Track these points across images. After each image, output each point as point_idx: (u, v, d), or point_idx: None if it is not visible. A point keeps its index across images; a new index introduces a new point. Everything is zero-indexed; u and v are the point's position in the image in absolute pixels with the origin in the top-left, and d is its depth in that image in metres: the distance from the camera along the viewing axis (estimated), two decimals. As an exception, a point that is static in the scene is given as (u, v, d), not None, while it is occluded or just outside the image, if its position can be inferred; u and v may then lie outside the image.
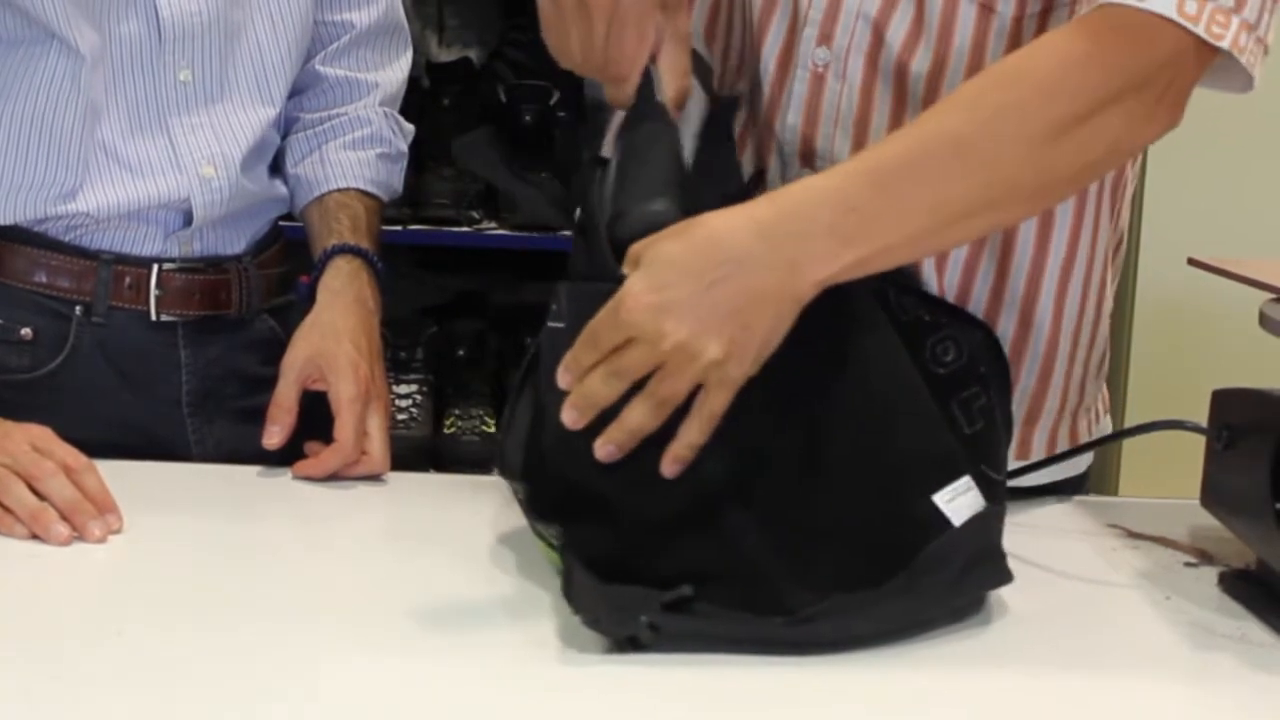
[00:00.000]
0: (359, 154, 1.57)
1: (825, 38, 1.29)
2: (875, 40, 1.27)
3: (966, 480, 1.12)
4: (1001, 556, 1.12)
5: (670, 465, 1.10)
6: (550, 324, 1.13)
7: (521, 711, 0.99)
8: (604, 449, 1.10)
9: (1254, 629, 1.14)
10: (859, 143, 1.29)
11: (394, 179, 1.61)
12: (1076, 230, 1.32)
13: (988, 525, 1.12)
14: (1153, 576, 1.24)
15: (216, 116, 1.47)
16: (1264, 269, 1.30)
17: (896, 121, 1.28)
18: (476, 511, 1.29)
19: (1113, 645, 1.11)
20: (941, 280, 1.31)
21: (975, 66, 1.25)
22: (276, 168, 1.58)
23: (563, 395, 1.10)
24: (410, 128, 1.64)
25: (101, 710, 0.97)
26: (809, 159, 1.31)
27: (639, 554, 1.10)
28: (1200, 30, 1.13)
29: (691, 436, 1.10)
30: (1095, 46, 1.13)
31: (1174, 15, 1.12)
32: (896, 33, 1.27)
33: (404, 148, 1.63)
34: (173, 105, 1.45)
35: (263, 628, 1.08)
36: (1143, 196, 2.49)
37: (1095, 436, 1.40)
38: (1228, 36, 1.14)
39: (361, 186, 1.56)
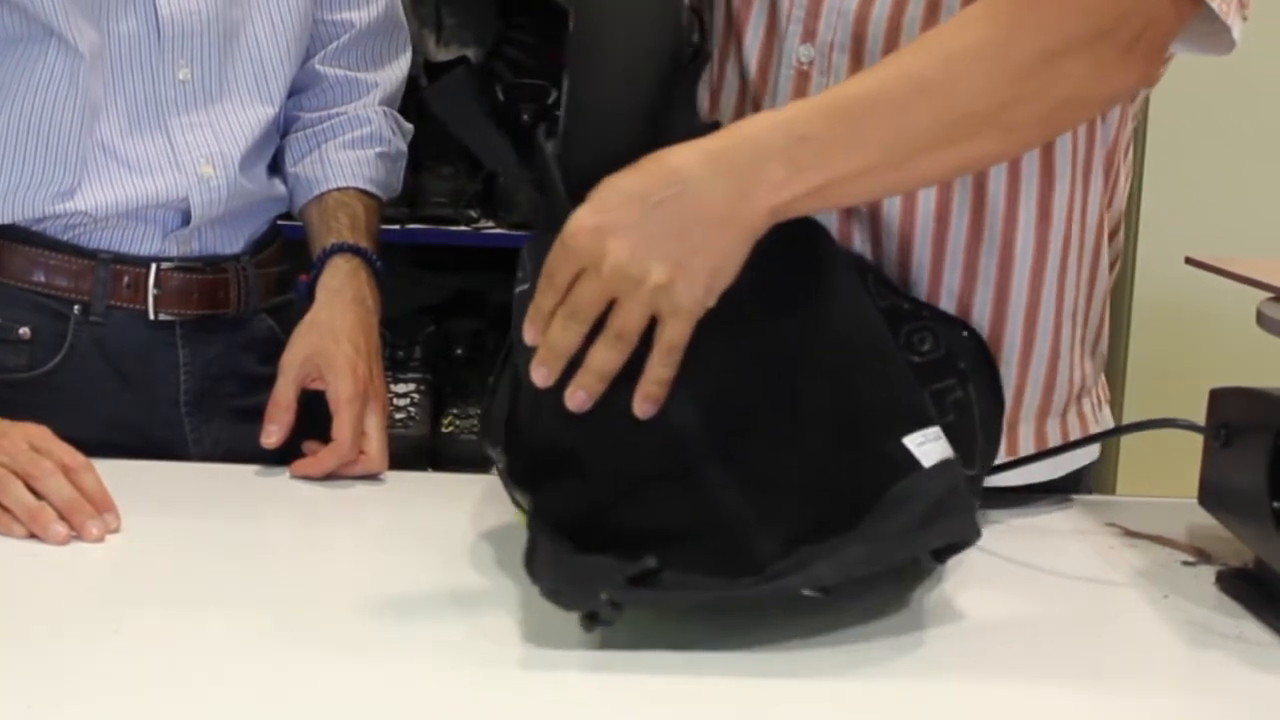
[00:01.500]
0: (358, 153, 1.57)
1: (809, 34, 1.28)
2: (858, 35, 1.26)
3: (936, 430, 1.11)
4: (970, 510, 1.11)
5: (641, 404, 1.08)
6: (518, 289, 1.12)
7: (520, 711, 0.99)
8: (574, 396, 1.08)
9: (1251, 628, 1.15)
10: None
11: (393, 178, 1.61)
12: (1046, 199, 1.29)
13: (955, 472, 1.11)
14: (1150, 575, 1.24)
15: (215, 115, 1.47)
16: (1261, 268, 1.30)
17: None
18: (475, 510, 1.29)
19: (1110, 644, 1.11)
20: (911, 262, 1.28)
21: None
22: (275, 167, 1.58)
23: (526, 357, 1.09)
24: (409, 127, 1.65)
25: (100, 709, 0.97)
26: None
27: (610, 512, 1.08)
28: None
29: (655, 371, 1.08)
30: None
31: None
32: (878, 27, 1.26)
33: (403, 147, 1.63)
34: (171, 104, 1.45)
35: (261, 627, 1.08)
36: (1140, 195, 2.49)
37: (1096, 430, 1.38)
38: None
39: (360, 185, 1.56)
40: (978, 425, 1.20)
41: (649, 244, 1.07)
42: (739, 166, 1.09)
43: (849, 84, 1.15)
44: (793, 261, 1.11)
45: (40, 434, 1.27)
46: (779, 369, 1.10)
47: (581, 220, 1.08)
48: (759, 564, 1.05)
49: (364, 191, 1.57)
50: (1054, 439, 1.34)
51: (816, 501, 1.07)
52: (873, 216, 1.29)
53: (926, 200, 1.27)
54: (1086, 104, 1.20)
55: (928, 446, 1.10)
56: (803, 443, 1.09)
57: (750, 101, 1.32)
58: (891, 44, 1.25)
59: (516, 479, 1.15)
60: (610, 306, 1.08)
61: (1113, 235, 1.39)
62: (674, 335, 1.08)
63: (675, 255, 1.07)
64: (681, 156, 1.09)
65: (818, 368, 1.11)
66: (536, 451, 1.12)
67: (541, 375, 1.09)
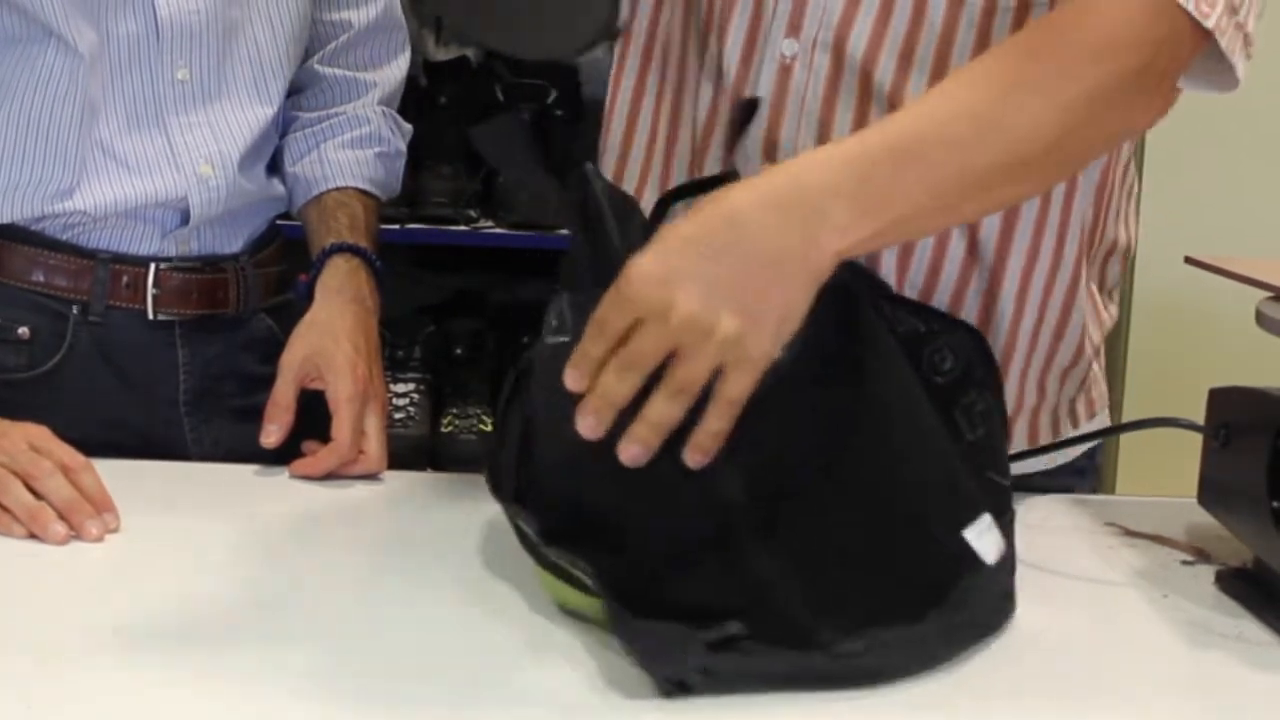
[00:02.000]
0: (357, 153, 1.57)
1: (794, 29, 1.27)
2: (842, 30, 1.25)
3: (987, 518, 1.09)
4: (1012, 596, 1.11)
5: (694, 454, 1.02)
6: (550, 339, 1.07)
7: (517, 710, 0.99)
8: (628, 450, 1.02)
9: (1251, 627, 1.15)
10: (823, 136, 1.27)
11: (392, 178, 1.61)
12: (1041, 226, 1.30)
13: (1010, 567, 1.09)
14: (1150, 575, 1.24)
15: (214, 115, 1.48)
16: (1261, 267, 1.30)
17: (861, 114, 1.26)
18: (474, 510, 1.29)
19: (1109, 643, 1.11)
20: (904, 279, 1.29)
21: (942, 57, 1.24)
22: (274, 167, 1.58)
23: (570, 409, 1.03)
24: (409, 127, 1.65)
25: (98, 709, 0.97)
26: (771, 154, 1.28)
27: (656, 585, 1.02)
28: (1190, 8, 1.12)
29: (712, 424, 1.03)
30: (1106, 23, 1.12)
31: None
32: (865, 23, 1.25)
33: (402, 147, 1.63)
34: (170, 104, 1.45)
35: (261, 627, 1.08)
36: (1140, 195, 2.49)
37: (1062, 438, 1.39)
38: (1213, 17, 1.13)
39: (360, 185, 1.56)
40: (1000, 429, 1.18)
41: (716, 292, 1.02)
42: (803, 209, 1.05)
43: (907, 118, 1.12)
44: (837, 329, 1.07)
45: (40, 434, 1.27)
46: (827, 441, 1.06)
47: (645, 268, 1.02)
48: (818, 640, 1.01)
49: (363, 191, 1.57)
50: (1019, 444, 1.34)
51: (873, 585, 1.04)
52: None
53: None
54: (1130, 134, 1.22)
55: (985, 539, 1.08)
56: (851, 520, 1.06)
57: (732, 94, 1.30)
58: (873, 51, 1.25)
59: (549, 538, 1.07)
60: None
61: (1106, 257, 1.39)
62: (738, 388, 1.03)
63: (744, 304, 1.03)
64: (740, 199, 1.06)
65: (867, 443, 1.07)
66: (569, 511, 1.07)
67: (590, 426, 1.02)
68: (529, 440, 1.11)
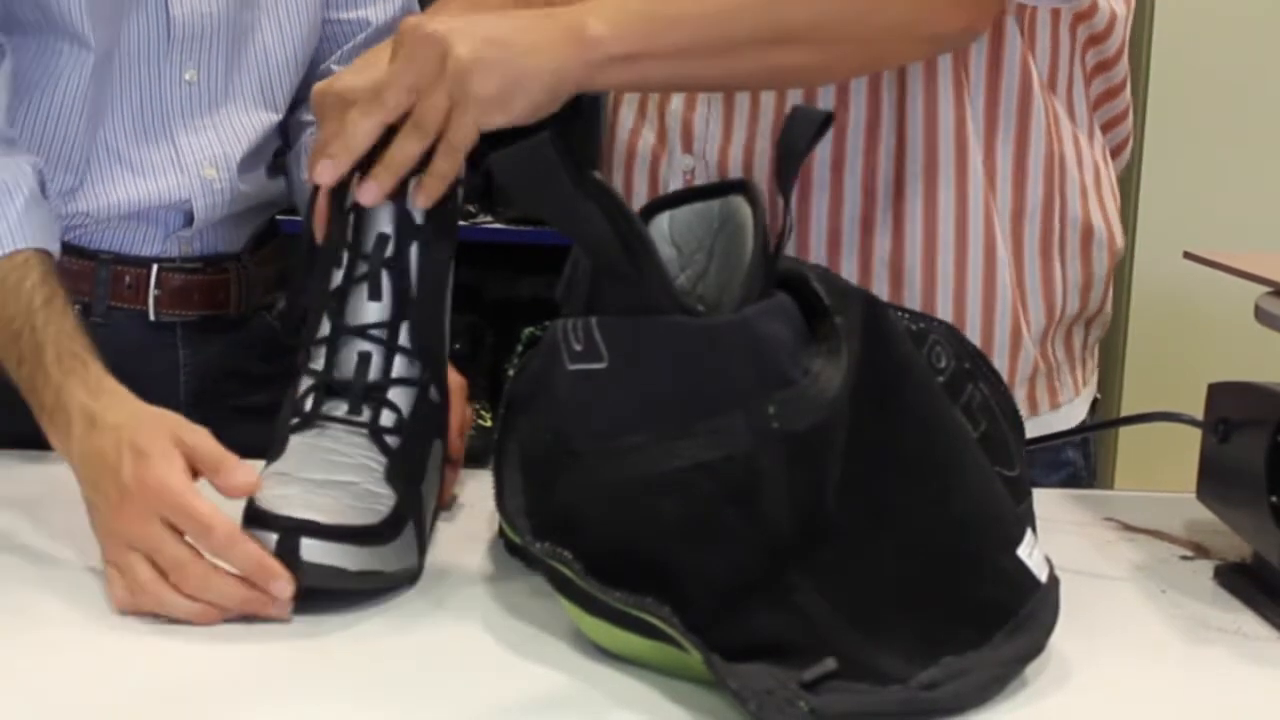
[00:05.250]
0: None
1: (687, 148, 1.38)
2: (721, 153, 1.36)
3: (1030, 534, 1.07)
4: (1059, 609, 1.08)
5: (417, 194, 1.11)
6: (574, 365, 1.00)
7: (514, 706, 0.99)
8: (364, 190, 1.11)
9: (1249, 622, 1.15)
10: (728, 121, 1.36)
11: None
12: (963, 196, 1.36)
13: (1058, 585, 1.08)
14: (1148, 570, 1.24)
15: (219, 119, 1.47)
16: (1260, 262, 1.30)
17: (756, 97, 1.36)
18: (473, 505, 1.29)
19: (1107, 638, 1.11)
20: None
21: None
22: (276, 167, 1.57)
23: (602, 447, 0.99)
24: None
25: (98, 709, 0.97)
26: (689, 142, 1.40)
27: (710, 627, 0.97)
28: None
29: (438, 165, 1.10)
30: None
31: None
32: (738, 146, 1.35)
33: None
34: (176, 106, 1.45)
35: (257, 625, 1.08)
36: (1138, 190, 2.50)
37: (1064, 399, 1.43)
38: None
39: None
40: (1000, 418, 1.16)
41: (462, 27, 1.09)
42: (566, 15, 1.13)
43: None
44: (874, 361, 1.03)
45: (165, 489, 1.08)
46: (873, 470, 1.03)
47: (419, 19, 1.11)
48: (896, 678, 0.98)
49: None
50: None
51: (935, 617, 1.01)
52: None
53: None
54: (909, 38, 1.26)
55: (1034, 557, 1.06)
56: (904, 558, 1.02)
57: (657, 98, 1.40)
58: (748, 170, 1.34)
59: (602, 580, 1.00)
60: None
61: (1085, 239, 1.42)
62: (459, 130, 1.09)
63: (483, 45, 1.09)
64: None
65: (913, 470, 1.03)
66: (612, 551, 1.00)
67: (322, 168, 1.12)
68: (548, 475, 1.04)
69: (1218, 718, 1.04)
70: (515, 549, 1.11)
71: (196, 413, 1.49)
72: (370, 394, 1.15)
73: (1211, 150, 2.45)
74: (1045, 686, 1.03)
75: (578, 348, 1.00)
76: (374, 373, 1.15)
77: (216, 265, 1.50)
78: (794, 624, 0.98)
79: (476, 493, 1.32)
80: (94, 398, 1.17)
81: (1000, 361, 1.38)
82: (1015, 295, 1.39)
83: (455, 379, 1.29)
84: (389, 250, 1.16)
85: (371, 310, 1.16)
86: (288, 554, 1.07)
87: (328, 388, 1.15)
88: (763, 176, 1.37)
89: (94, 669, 1.02)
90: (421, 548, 1.16)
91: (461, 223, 2.67)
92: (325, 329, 1.17)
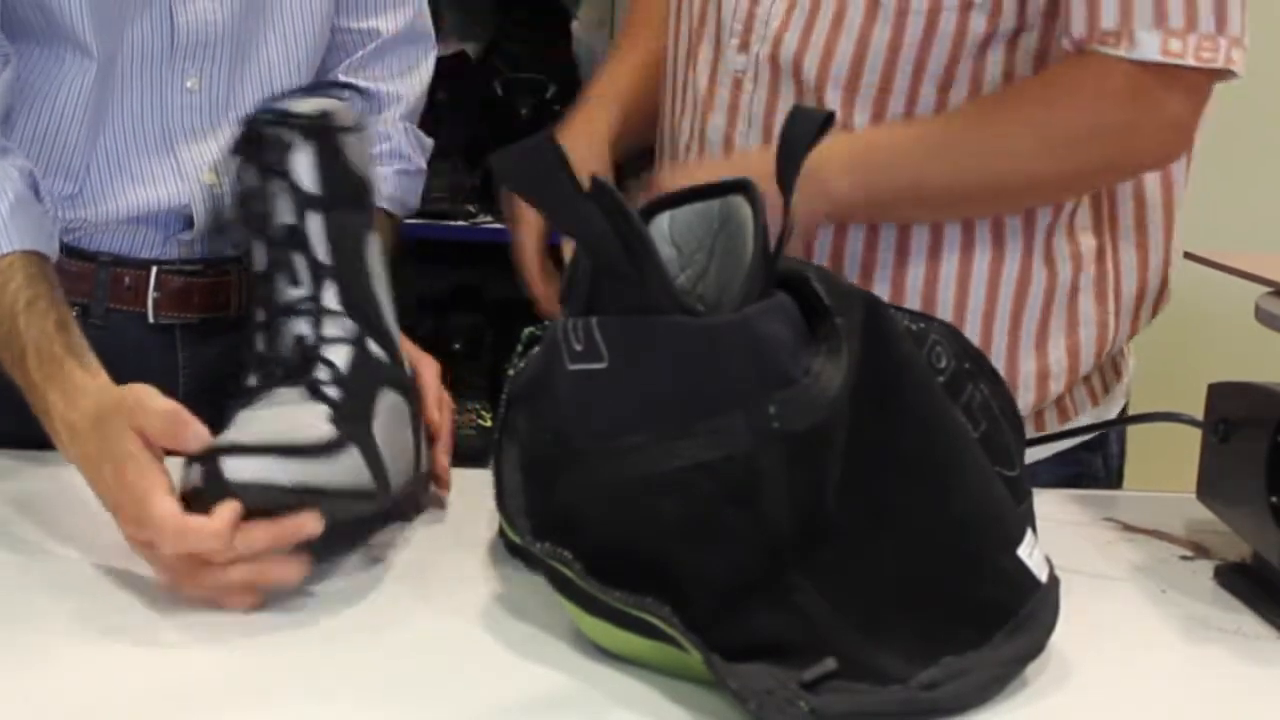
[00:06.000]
0: (378, 169, 1.54)
1: (743, 46, 1.43)
2: (775, 44, 1.41)
3: (1030, 534, 1.07)
4: (1059, 608, 1.08)
5: None
6: (575, 365, 1.00)
7: (512, 701, 0.99)
8: None
9: (1249, 622, 1.15)
10: (767, 136, 1.42)
11: (410, 196, 1.58)
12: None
13: (1058, 585, 1.08)
14: (1148, 570, 1.24)
15: (220, 126, 1.45)
16: (1260, 263, 1.30)
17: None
18: (473, 505, 1.29)
19: (1108, 638, 1.11)
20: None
21: (859, 56, 1.38)
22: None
23: (602, 447, 0.99)
24: (429, 142, 1.59)
25: (95, 709, 0.97)
26: (729, 149, 1.46)
27: (710, 627, 0.97)
28: (1189, 61, 1.29)
29: None
30: (1110, 106, 1.32)
31: (1159, 57, 1.29)
32: (793, 33, 1.40)
33: (423, 164, 1.59)
34: (176, 113, 1.44)
35: (260, 621, 1.08)
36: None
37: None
38: (1220, 57, 1.30)
39: (383, 205, 1.53)
40: (1000, 418, 1.15)
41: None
42: (816, 170, 1.17)
43: (910, 129, 1.37)
44: (874, 361, 1.03)
45: (132, 505, 1.09)
46: (873, 471, 1.02)
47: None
48: (896, 678, 0.98)
49: (382, 210, 1.53)
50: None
51: (937, 617, 1.01)
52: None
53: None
54: (1115, 173, 1.41)
55: (1034, 557, 1.06)
56: (905, 558, 1.02)
57: (698, 112, 1.47)
58: (800, 56, 1.39)
59: (602, 580, 1.00)
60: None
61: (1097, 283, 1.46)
62: None
63: None
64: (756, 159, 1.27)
65: (914, 470, 1.03)
66: (611, 551, 1.00)
67: None
68: (548, 475, 1.04)
69: (1218, 718, 1.04)
70: (515, 549, 1.11)
71: (196, 414, 1.50)
72: (306, 357, 1.20)
73: (1211, 150, 2.45)
74: (1045, 686, 1.03)
75: (578, 348, 1.00)
76: (308, 339, 1.21)
77: (217, 267, 1.50)
78: (794, 624, 0.98)
79: (476, 493, 1.32)
80: (70, 405, 1.18)
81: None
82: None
83: (422, 357, 1.38)
84: (293, 229, 1.24)
85: (294, 289, 1.23)
86: (212, 480, 1.07)
87: (269, 364, 1.20)
88: None
89: (92, 669, 1.02)
90: (378, 473, 1.15)
91: (461, 223, 2.70)
92: (260, 314, 1.25)
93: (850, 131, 1.38)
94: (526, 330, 1.25)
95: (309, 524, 1.08)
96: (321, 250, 1.24)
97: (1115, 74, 1.30)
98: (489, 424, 2.65)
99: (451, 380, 2.80)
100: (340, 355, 1.21)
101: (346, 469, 1.13)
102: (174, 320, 1.48)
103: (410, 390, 1.28)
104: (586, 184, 0.97)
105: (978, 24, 1.34)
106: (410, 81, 1.58)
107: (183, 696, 0.99)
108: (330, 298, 1.23)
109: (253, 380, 1.23)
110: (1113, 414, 1.50)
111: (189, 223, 1.46)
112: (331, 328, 1.21)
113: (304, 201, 1.24)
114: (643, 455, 0.98)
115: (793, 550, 0.99)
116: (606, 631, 1.02)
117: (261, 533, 1.07)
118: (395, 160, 1.56)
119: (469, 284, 2.96)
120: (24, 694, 0.98)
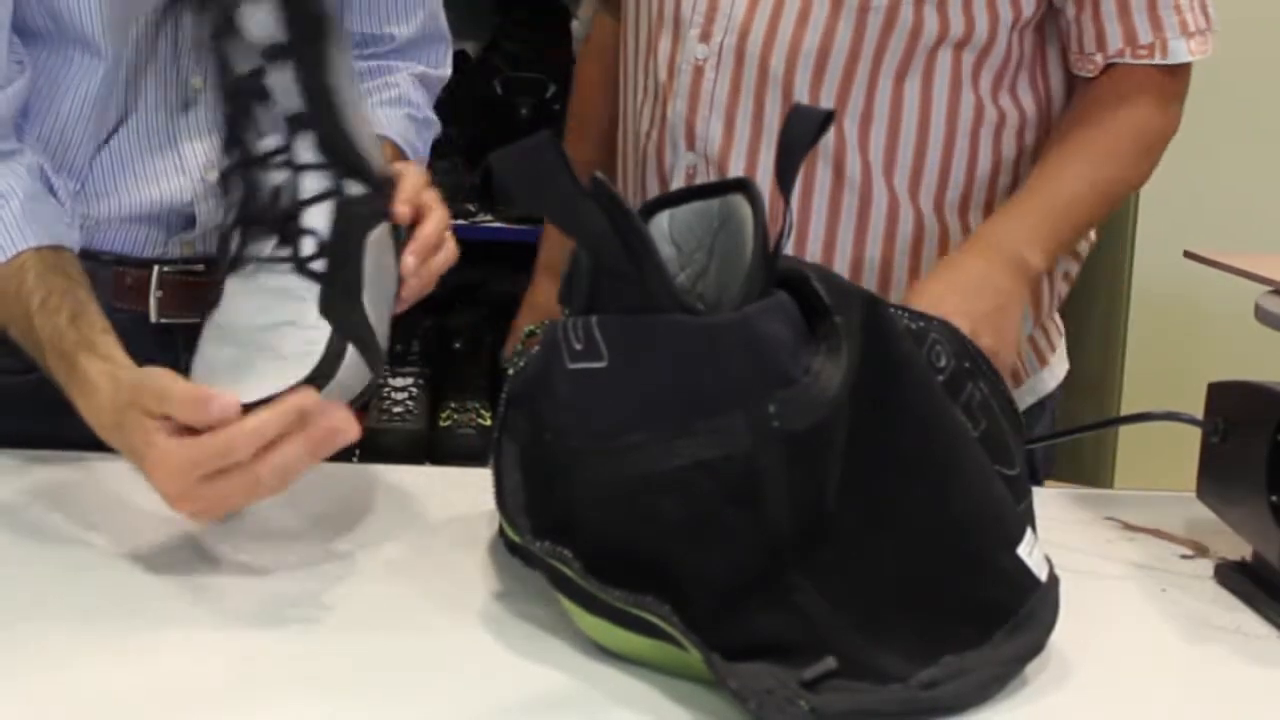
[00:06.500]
0: (387, 111, 1.51)
1: (704, 36, 1.52)
2: (742, 34, 1.50)
3: (1030, 533, 1.07)
4: (1059, 607, 1.08)
5: None
6: (574, 364, 1.00)
7: (514, 702, 0.99)
8: None
9: (1249, 621, 1.15)
10: (729, 122, 1.52)
11: (420, 143, 1.54)
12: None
13: (1058, 584, 1.08)
14: (1148, 569, 1.24)
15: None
16: (1260, 262, 1.30)
17: (758, 102, 1.51)
18: (473, 505, 1.29)
19: (1108, 637, 1.11)
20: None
21: (824, 50, 1.48)
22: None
23: (602, 446, 0.99)
24: (438, 126, 1.60)
25: (92, 708, 0.97)
26: (690, 138, 1.54)
27: (710, 626, 0.97)
28: (1202, 55, 1.51)
29: None
30: (1156, 110, 1.55)
31: (1188, 59, 1.52)
32: (759, 27, 1.49)
33: (433, 117, 1.56)
34: (180, 111, 1.44)
35: (260, 621, 1.08)
36: (1139, 190, 2.49)
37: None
38: (1210, 47, 1.52)
39: (392, 137, 1.49)
40: (1000, 417, 1.15)
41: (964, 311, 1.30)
42: (1010, 259, 1.45)
43: (1063, 185, 1.52)
44: (874, 360, 1.03)
45: (181, 463, 1.11)
46: (872, 470, 1.02)
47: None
48: (896, 677, 0.98)
49: (395, 146, 1.49)
50: None
51: (932, 614, 1.01)
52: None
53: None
54: (1163, 147, 1.62)
55: (1034, 557, 1.06)
56: (904, 557, 1.02)
57: (659, 100, 1.55)
58: (767, 50, 1.49)
59: (604, 580, 1.00)
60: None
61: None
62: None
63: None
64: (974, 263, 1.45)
65: (913, 469, 1.03)
66: (610, 550, 1.00)
67: None
68: (548, 474, 1.04)
69: (1218, 717, 1.04)
70: (515, 548, 1.11)
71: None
72: (287, 225, 1.20)
73: (1211, 150, 2.45)
74: (1045, 686, 1.03)
75: (578, 347, 1.00)
76: (284, 199, 1.21)
77: (219, 266, 1.49)
78: (794, 623, 0.98)
79: (476, 493, 1.32)
80: (87, 403, 1.20)
81: None
82: None
83: (406, 167, 1.34)
84: (255, 77, 1.24)
85: (265, 140, 1.23)
86: None
87: (249, 219, 1.22)
88: (766, 179, 1.44)
89: (89, 669, 1.02)
90: (372, 361, 1.19)
91: (461, 222, 2.70)
92: (235, 157, 1.25)
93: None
94: (526, 329, 1.25)
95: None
96: (291, 99, 1.23)
97: (1152, 80, 1.52)
98: (489, 423, 2.65)
99: (452, 379, 2.81)
100: (322, 219, 1.20)
101: (347, 373, 1.16)
102: (176, 320, 1.48)
103: (387, 203, 1.28)
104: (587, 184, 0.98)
105: (931, 22, 1.47)
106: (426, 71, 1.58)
107: (183, 696, 0.99)
108: (304, 150, 1.22)
109: (234, 240, 1.24)
110: (1059, 377, 1.66)
111: (191, 221, 1.46)
112: (309, 186, 1.20)
113: (270, 53, 1.23)
114: (643, 454, 0.98)
115: (793, 550, 0.99)
116: (606, 630, 1.02)
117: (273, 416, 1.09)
118: (405, 105, 1.53)
119: (469, 283, 2.96)
120: (25, 694, 0.98)
